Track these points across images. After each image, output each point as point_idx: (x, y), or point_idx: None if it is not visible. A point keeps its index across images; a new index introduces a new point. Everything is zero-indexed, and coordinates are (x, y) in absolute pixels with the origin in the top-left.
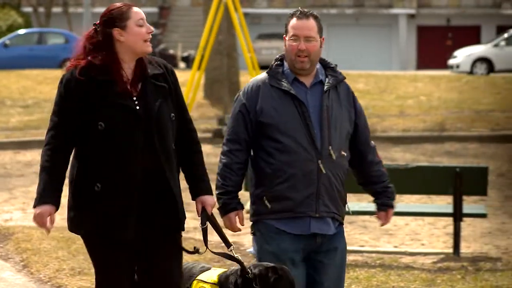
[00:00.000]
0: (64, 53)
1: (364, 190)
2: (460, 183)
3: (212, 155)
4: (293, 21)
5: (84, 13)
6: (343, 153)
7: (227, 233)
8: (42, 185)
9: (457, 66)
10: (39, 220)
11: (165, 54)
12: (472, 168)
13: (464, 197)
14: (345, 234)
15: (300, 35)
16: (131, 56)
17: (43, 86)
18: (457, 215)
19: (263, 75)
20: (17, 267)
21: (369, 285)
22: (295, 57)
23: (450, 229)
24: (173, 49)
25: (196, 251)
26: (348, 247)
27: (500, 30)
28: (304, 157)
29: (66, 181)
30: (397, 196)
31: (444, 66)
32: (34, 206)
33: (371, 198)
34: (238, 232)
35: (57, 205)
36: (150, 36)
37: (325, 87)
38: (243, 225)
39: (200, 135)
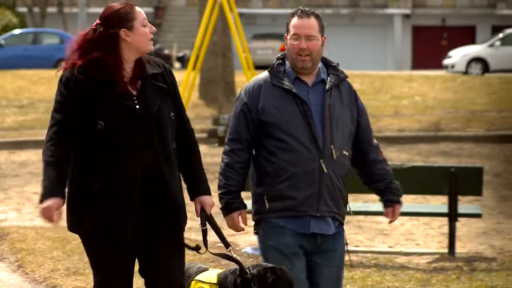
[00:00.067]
0: (59, 53)
1: (370, 190)
2: (455, 183)
3: (207, 155)
4: (294, 20)
5: (79, 13)
6: (345, 152)
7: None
8: (48, 179)
9: (452, 66)
10: (46, 214)
11: (160, 54)
12: (467, 168)
13: (459, 197)
14: None
15: (301, 34)
16: (135, 55)
17: (38, 86)
18: (452, 215)
19: (264, 74)
20: (12, 267)
21: (364, 285)
22: (296, 56)
23: (445, 229)
24: (168, 49)
25: (198, 248)
26: None
27: (495, 30)
28: (306, 156)
29: None
30: None
31: (439, 66)
32: (41, 201)
33: (367, 198)
34: (234, 233)
35: (64, 198)
36: (152, 36)
37: (327, 86)
38: (246, 225)
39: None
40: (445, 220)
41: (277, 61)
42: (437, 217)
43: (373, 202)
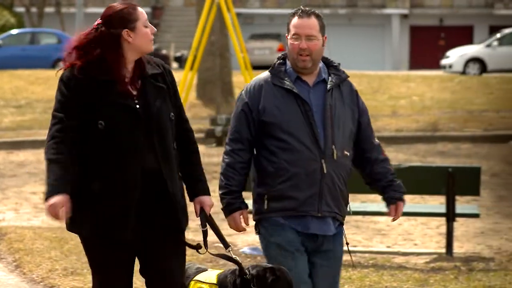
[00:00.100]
0: (56, 53)
1: (372, 190)
2: (453, 183)
3: (205, 156)
4: (295, 20)
5: (77, 13)
6: (346, 152)
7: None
8: (53, 176)
9: (450, 66)
10: (52, 211)
11: (158, 54)
12: (465, 168)
13: (457, 197)
14: None
15: (302, 34)
16: (136, 56)
17: (36, 86)
18: (450, 215)
19: (265, 74)
20: (10, 268)
21: (362, 285)
22: (297, 56)
23: (443, 229)
24: (166, 49)
25: (199, 247)
26: None
27: (493, 30)
28: (307, 156)
29: None
30: None
31: (436, 66)
32: (46, 198)
33: (365, 198)
34: (231, 232)
35: (69, 195)
36: (153, 36)
37: (328, 86)
38: (247, 225)
39: None
40: (443, 220)
41: (278, 61)
42: (435, 217)
43: (371, 202)
